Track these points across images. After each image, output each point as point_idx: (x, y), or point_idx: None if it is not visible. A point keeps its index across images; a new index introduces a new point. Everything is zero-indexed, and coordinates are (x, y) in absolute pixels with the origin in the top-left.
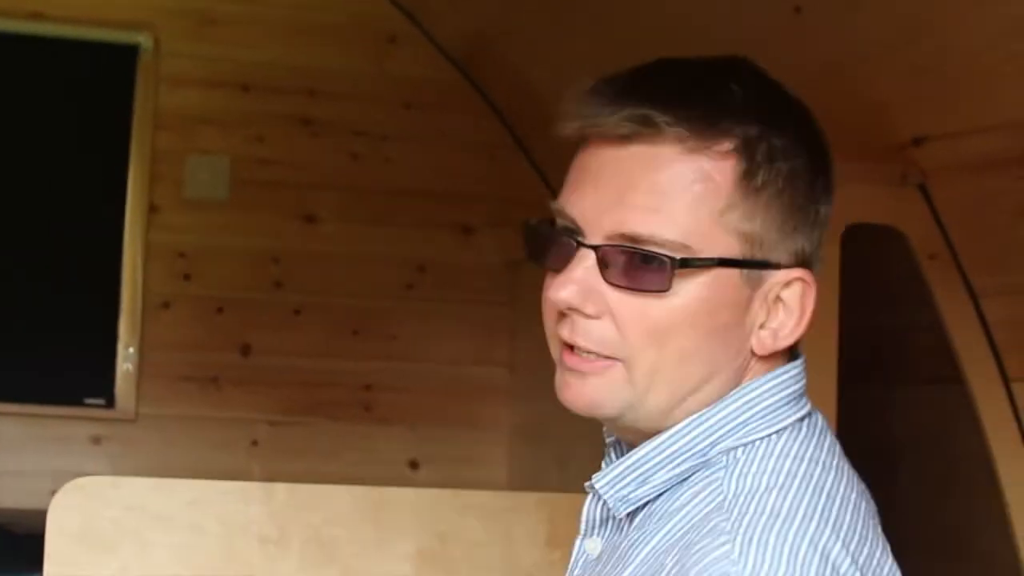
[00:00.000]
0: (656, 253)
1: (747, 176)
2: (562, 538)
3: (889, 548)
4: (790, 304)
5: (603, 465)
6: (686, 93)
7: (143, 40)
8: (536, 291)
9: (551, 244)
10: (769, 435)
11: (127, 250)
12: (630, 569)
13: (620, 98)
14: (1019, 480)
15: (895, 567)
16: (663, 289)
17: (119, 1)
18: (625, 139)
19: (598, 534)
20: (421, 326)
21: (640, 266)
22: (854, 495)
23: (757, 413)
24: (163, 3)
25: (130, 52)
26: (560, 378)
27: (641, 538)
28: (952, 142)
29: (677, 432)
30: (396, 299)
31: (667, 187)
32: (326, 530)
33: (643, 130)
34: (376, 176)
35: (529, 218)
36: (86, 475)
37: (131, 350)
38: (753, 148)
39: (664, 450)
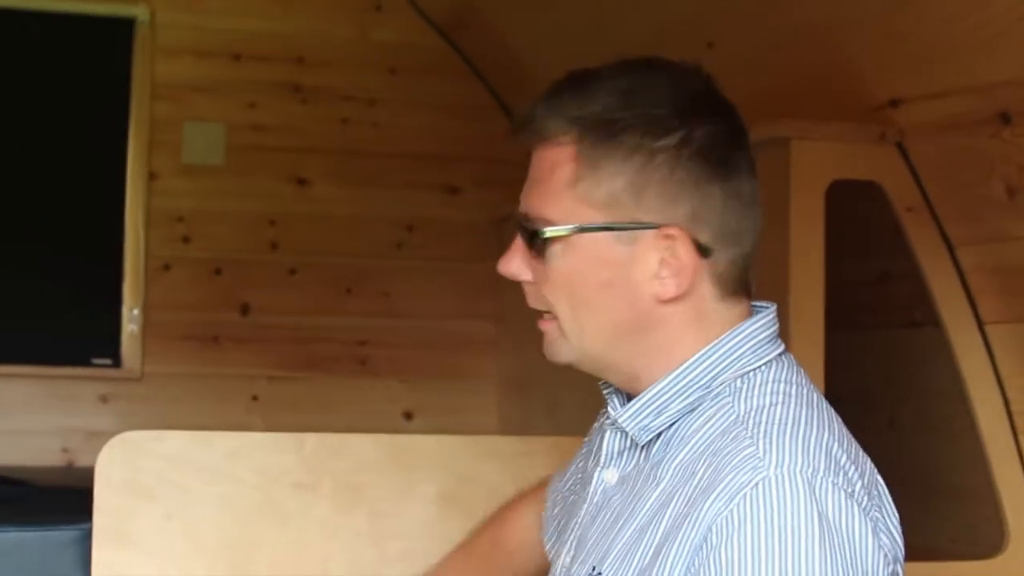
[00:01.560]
0: (529, 227)
1: (584, 157)
2: None
3: None
4: (666, 257)
5: (610, 409)
6: (551, 96)
7: (139, 12)
8: None
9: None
10: (759, 367)
11: (128, 215)
12: (665, 482)
13: (527, 106)
14: (994, 418)
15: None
16: (542, 253)
17: None
18: (531, 137)
19: (615, 465)
20: (412, 283)
21: (529, 238)
22: (831, 409)
23: (748, 349)
24: None
25: (127, 24)
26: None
27: (666, 457)
28: (927, 103)
29: (685, 369)
30: (387, 258)
31: (535, 175)
32: (354, 476)
33: (532, 138)
34: (365, 140)
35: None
36: (95, 432)
37: (135, 312)
38: (587, 133)
39: (675, 384)
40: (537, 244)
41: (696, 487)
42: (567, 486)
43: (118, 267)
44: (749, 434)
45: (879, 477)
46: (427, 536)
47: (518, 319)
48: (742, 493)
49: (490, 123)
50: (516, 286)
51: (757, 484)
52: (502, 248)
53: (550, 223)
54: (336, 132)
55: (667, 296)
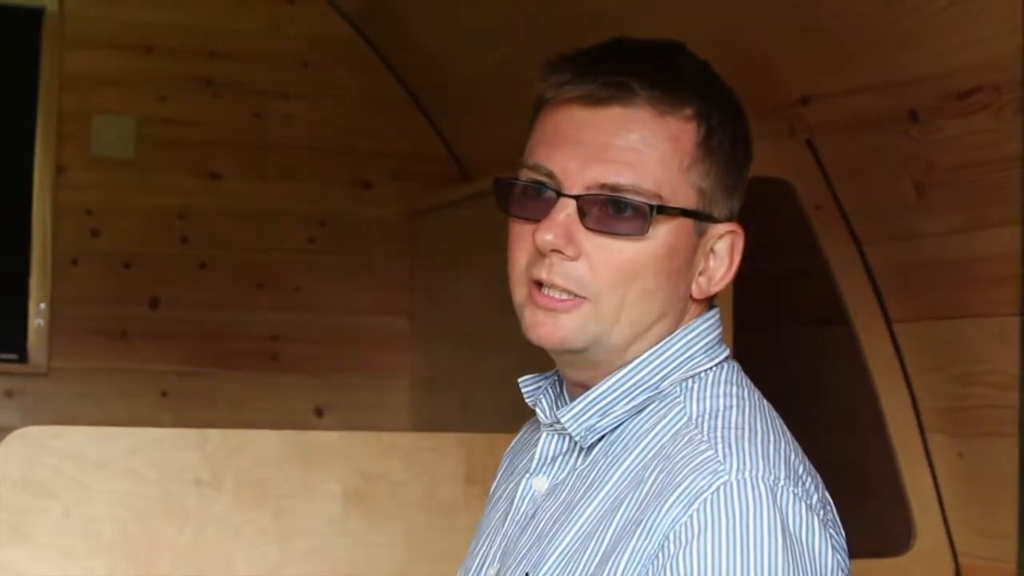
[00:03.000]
0: (635, 201)
1: (705, 138)
2: (479, 475)
3: None
4: (721, 254)
5: (539, 412)
6: (655, 65)
7: (48, 3)
8: (433, 244)
9: (523, 195)
10: (710, 368)
11: (36, 209)
12: (610, 485)
13: (595, 66)
14: (902, 417)
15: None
16: (641, 233)
17: None
18: (601, 102)
19: (545, 472)
20: (323, 278)
21: (618, 212)
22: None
23: (699, 350)
24: None
25: (35, 15)
26: (531, 317)
27: (612, 461)
28: (837, 101)
29: (632, 369)
30: (299, 252)
31: (641, 144)
32: (257, 472)
33: (619, 94)
34: (277, 134)
35: (499, 175)
36: None
37: (42, 306)
38: (708, 115)
39: (622, 384)
40: (623, 219)
41: (648, 492)
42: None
43: (25, 261)
44: (705, 437)
45: (826, 492)
46: (331, 533)
47: (431, 315)
48: (702, 498)
49: (403, 117)
50: (430, 281)
51: (717, 489)
52: (415, 243)
53: (661, 199)
54: (248, 126)
55: (709, 292)
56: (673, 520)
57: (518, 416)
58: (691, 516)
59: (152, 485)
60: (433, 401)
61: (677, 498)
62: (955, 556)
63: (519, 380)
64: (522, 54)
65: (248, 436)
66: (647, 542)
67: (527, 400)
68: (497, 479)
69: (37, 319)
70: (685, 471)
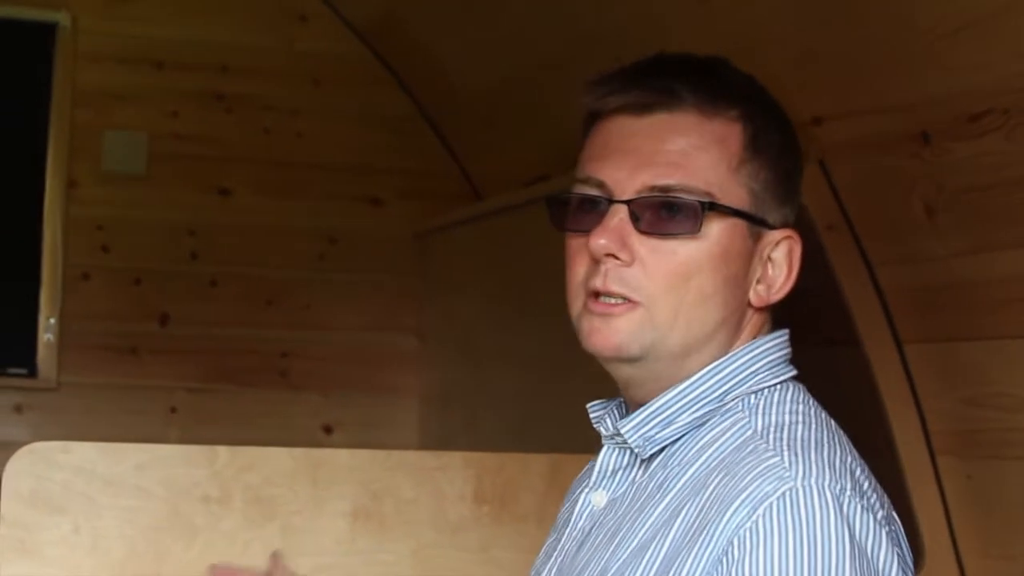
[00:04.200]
0: (686, 200)
1: (752, 140)
2: (487, 494)
3: None
4: (779, 261)
5: (603, 430)
6: (698, 72)
7: (61, 18)
8: (442, 262)
9: (578, 209)
10: (774, 385)
11: (47, 223)
12: (671, 495)
13: (640, 76)
14: (912, 439)
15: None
16: (694, 231)
17: None
18: (646, 109)
19: (604, 487)
20: (333, 296)
21: (670, 213)
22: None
23: (764, 365)
24: None
25: (48, 30)
26: (588, 326)
27: (672, 473)
28: (848, 122)
29: (698, 380)
30: (309, 269)
31: (689, 146)
32: (266, 489)
33: (665, 99)
34: (287, 150)
35: (551, 192)
36: (8, 443)
37: (52, 321)
38: (753, 117)
39: (687, 395)
40: (675, 219)
41: (710, 497)
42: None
43: (36, 275)
44: (771, 447)
45: (892, 511)
46: (339, 551)
47: (440, 334)
48: (767, 503)
49: (414, 135)
50: (440, 300)
51: (784, 494)
52: (425, 261)
53: (712, 197)
54: (259, 142)
55: (770, 300)
56: (738, 525)
57: (523, 434)
58: (756, 521)
59: (160, 501)
60: (442, 419)
61: (742, 503)
62: None
63: (588, 406)
64: (535, 70)
65: (257, 453)
66: (712, 546)
67: (594, 424)
68: (564, 507)
69: (47, 334)
70: (750, 476)
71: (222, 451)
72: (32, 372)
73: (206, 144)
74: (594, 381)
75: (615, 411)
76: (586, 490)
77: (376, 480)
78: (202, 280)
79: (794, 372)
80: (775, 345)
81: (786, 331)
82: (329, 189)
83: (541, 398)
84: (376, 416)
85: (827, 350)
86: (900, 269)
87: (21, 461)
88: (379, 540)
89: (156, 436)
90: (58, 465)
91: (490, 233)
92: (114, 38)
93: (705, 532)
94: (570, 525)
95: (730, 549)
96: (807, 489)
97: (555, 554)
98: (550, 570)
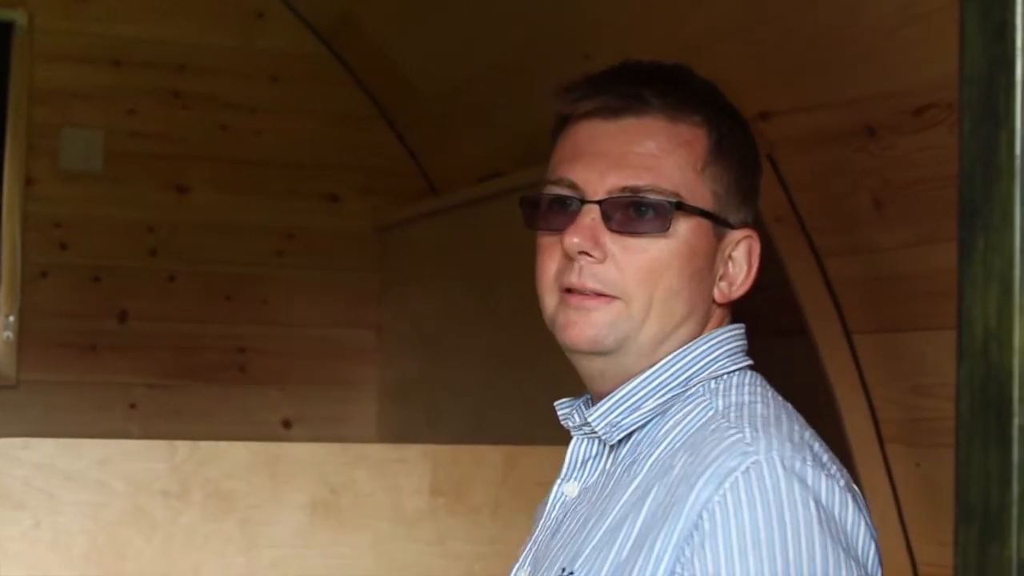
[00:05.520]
0: (655, 200)
1: (716, 144)
2: (444, 486)
3: None
4: (740, 260)
5: (569, 425)
6: (664, 79)
7: (17, 17)
8: (400, 257)
9: (549, 209)
10: (734, 371)
11: (5, 221)
12: (639, 478)
13: (609, 82)
14: (861, 427)
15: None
16: (663, 230)
17: None
18: (615, 113)
19: (575, 477)
20: (292, 291)
21: (640, 213)
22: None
23: (724, 353)
24: None
25: (4, 29)
26: (563, 319)
27: (641, 456)
28: (796, 116)
29: (662, 367)
30: (267, 265)
31: (657, 149)
32: (225, 484)
33: (633, 104)
34: (245, 147)
35: (524, 192)
36: None
37: (11, 318)
38: (717, 123)
39: (652, 381)
40: (645, 218)
41: (677, 477)
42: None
43: None
44: (732, 424)
45: (852, 481)
46: (298, 544)
47: (399, 328)
48: (732, 477)
49: (371, 132)
50: (398, 294)
51: (748, 469)
52: (383, 257)
53: (680, 198)
54: (216, 139)
55: (731, 297)
56: (706, 499)
57: (483, 427)
58: (724, 495)
59: (120, 496)
60: (400, 413)
61: (708, 478)
62: (914, 564)
63: (555, 404)
64: (490, 70)
65: (216, 448)
66: (681, 522)
67: (562, 421)
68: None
69: (6, 331)
70: (714, 453)
71: (181, 446)
72: None
73: (164, 142)
74: (552, 374)
75: (582, 407)
76: (558, 482)
77: (334, 474)
78: (161, 276)
79: (750, 362)
80: (733, 335)
81: (742, 324)
82: (287, 186)
83: (500, 391)
84: (335, 410)
85: (777, 340)
86: (848, 260)
87: None
88: (337, 533)
89: (116, 432)
90: (18, 461)
91: (447, 228)
92: (71, 36)
93: (675, 508)
94: (544, 515)
95: (700, 523)
96: (770, 461)
97: (529, 544)
98: (524, 559)
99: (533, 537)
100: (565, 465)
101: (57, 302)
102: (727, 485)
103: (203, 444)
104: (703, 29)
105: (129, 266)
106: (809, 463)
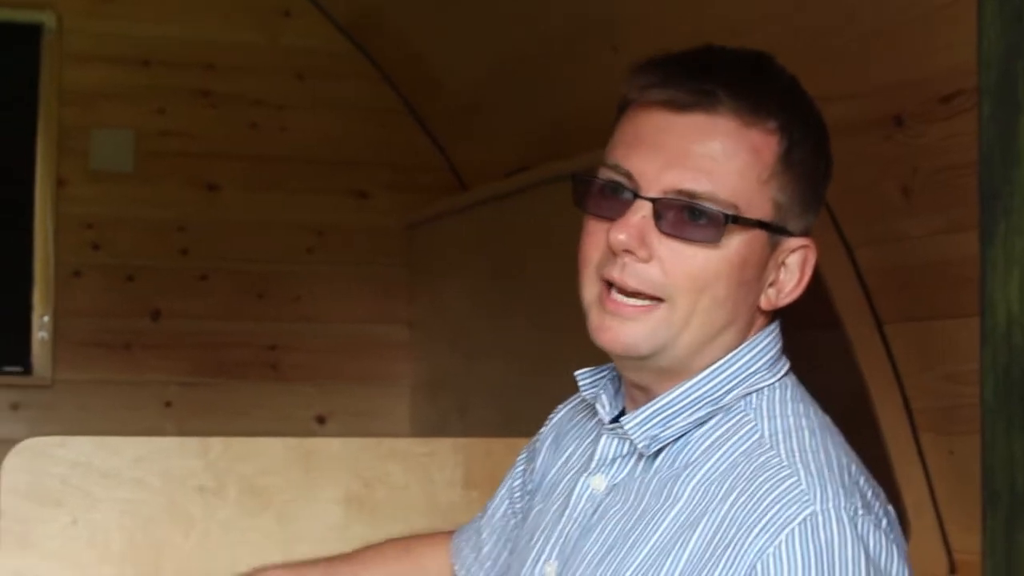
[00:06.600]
0: (711, 209)
1: (787, 153)
2: (477, 479)
3: None
4: (793, 268)
5: (599, 408)
6: (742, 75)
7: (46, 19)
8: (430, 252)
9: (602, 194)
10: (772, 384)
11: (37, 222)
12: (684, 500)
13: (682, 71)
14: (894, 417)
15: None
16: (714, 241)
17: None
18: (685, 107)
19: (603, 472)
20: (323, 288)
21: (693, 219)
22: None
23: (763, 365)
24: None
25: (34, 31)
26: (598, 320)
27: (681, 475)
28: (823, 106)
29: (699, 381)
30: (298, 263)
31: (721, 152)
32: (260, 479)
33: (704, 101)
34: (274, 145)
35: (576, 171)
36: (5, 440)
37: (45, 318)
38: (792, 129)
39: (687, 396)
40: (698, 225)
41: (730, 515)
42: (501, 511)
43: (28, 274)
44: (785, 463)
45: (888, 504)
46: (334, 538)
47: (429, 323)
48: (788, 529)
49: (398, 127)
50: (428, 290)
51: (805, 520)
52: (413, 252)
53: (736, 209)
54: (245, 137)
55: (778, 304)
56: (760, 549)
57: (515, 421)
58: (779, 547)
59: (157, 493)
60: (432, 407)
61: (765, 527)
62: (949, 552)
63: (576, 374)
64: (517, 64)
65: (250, 444)
66: (733, 568)
67: (585, 395)
68: (546, 444)
69: (41, 332)
70: (770, 499)
71: (215, 442)
72: (27, 370)
73: (193, 140)
74: (583, 366)
75: (609, 385)
76: (585, 474)
77: (368, 468)
78: (192, 275)
79: (787, 365)
80: (771, 341)
81: (777, 323)
82: (316, 183)
83: (531, 384)
84: (368, 406)
85: (808, 333)
86: (878, 250)
87: (18, 457)
88: (372, 526)
89: (151, 430)
90: (55, 459)
91: (475, 223)
92: (99, 37)
93: (729, 551)
94: (569, 507)
95: (753, 573)
96: (825, 513)
97: (554, 535)
98: (551, 551)
99: (560, 527)
100: (595, 460)
101: (90, 302)
102: (783, 537)
103: (237, 440)
104: (730, 20)
105: (161, 265)
106: (860, 512)
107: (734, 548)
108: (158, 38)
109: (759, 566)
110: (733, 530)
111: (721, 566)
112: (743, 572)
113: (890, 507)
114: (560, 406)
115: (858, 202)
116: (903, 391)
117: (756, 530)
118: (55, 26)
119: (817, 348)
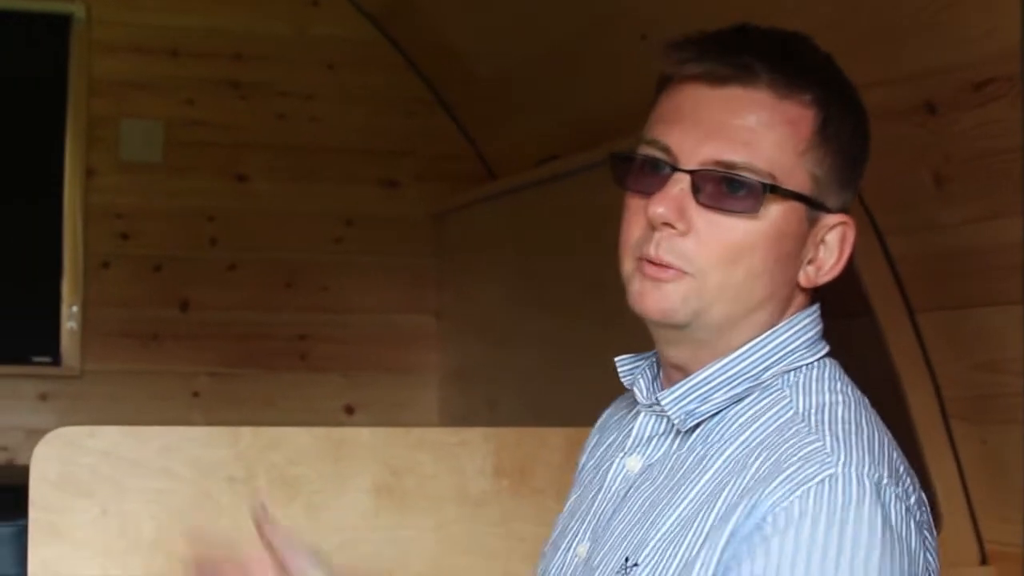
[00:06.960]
0: (749, 179)
1: (823, 126)
2: (507, 468)
3: None
4: (832, 245)
5: (637, 392)
6: (777, 50)
7: (75, 9)
8: (459, 242)
9: (641, 171)
10: (811, 363)
11: (67, 213)
12: (712, 471)
13: (718, 46)
14: (926, 406)
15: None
16: (753, 211)
17: None
18: (722, 81)
19: (639, 452)
20: (351, 278)
21: (731, 190)
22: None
23: (803, 343)
24: None
25: (63, 21)
26: (638, 288)
27: (713, 448)
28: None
29: (736, 357)
30: (326, 252)
31: (758, 124)
32: (289, 469)
33: (741, 74)
34: (303, 135)
35: (615, 149)
36: (34, 430)
37: (75, 309)
38: (828, 103)
39: (725, 372)
40: (736, 196)
41: (752, 476)
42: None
43: (57, 264)
44: (813, 430)
45: (923, 493)
46: (363, 527)
47: (458, 313)
48: (806, 486)
49: (427, 116)
50: (457, 280)
51: (824, 480)
52: (441, 242)
53: (774, 179)
54: (274, 127)
55: (817, 282)
56: (774, 503)
57: (544, 411)
58: (793, 502)
59: (186, 483)
60: (461, 398)
61: (782, 482)
62: (980, 542)
63: (616, 360)
64: (546, 52)
65: (279, 433)
66: (746, 519)
67: (624, 380)
68: (586, 453)
69: (70, 322)
70: (794, 458)
71: (245, 432)
72: (56, 360)
73: (222, 131)
74: (612, 356)
75: (647, 371)
76: (620, 454)
77: (397, 457)
78: (221, 265)
79: (827, 348)
80: (811, 322)
81: (817, 305)
82: (345, 172)
83: (560, 375)
84: (397, 396)
85: (840, 321)
86: (910, 238)
87: (48, 447)
88: (401, 516)
89: (179, 420)
90: (84, 449)
91: (504, 213)
92: (128, 28)
93: (742, 506)
94: (604, 488)
95: (763, 524)
96: (847, 476)
97: (588, 516)
98: (584, 532)
99: (594, 508)
100: (631, 439)
101: (119, 292)
102: (799, 492)
103: (266, 430)
104: (760, 8)
105: (189, 255)
106: (885, 480)
107: (748, 499)
108: (187, 28)
109: (770, 518)
110: (751, 488)
111: (734, 519)
112: (753, 524)
113: (924, 498)
114: (606, 409)
115: (890, 190)
116: (935, 380)
117: (774, 484)
118: (84, 16)
119: (849, 336)
